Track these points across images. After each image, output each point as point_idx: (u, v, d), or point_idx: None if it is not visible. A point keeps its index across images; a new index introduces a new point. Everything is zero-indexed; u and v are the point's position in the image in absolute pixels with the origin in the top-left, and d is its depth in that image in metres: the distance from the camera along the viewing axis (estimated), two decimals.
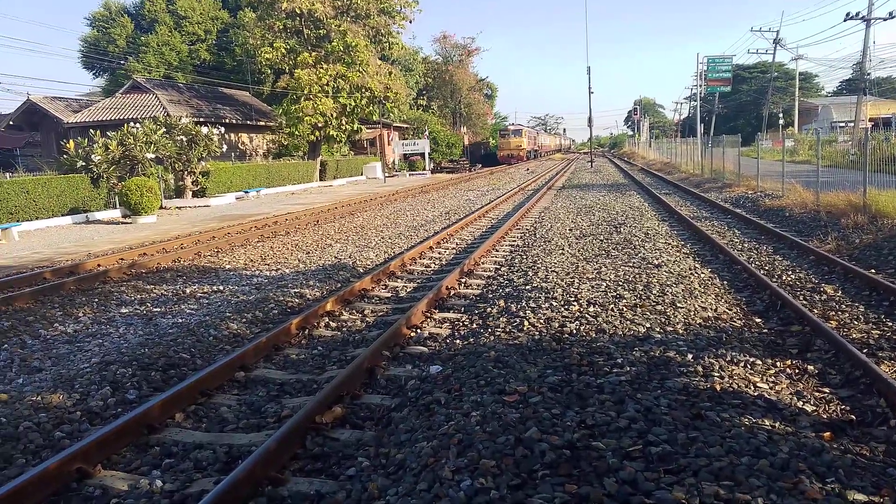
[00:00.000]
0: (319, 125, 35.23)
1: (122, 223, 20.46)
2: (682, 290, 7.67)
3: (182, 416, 5.00)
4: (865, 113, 44.51)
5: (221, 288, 9.63)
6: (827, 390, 4.94)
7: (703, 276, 8.79)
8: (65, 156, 23.10)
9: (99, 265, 11.81)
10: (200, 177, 27.23)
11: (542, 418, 4.08)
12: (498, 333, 6.26)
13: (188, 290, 9.52)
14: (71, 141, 23.25)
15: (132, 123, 24.19)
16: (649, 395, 4.43)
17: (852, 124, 44.11)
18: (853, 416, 4.42)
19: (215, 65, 48.46)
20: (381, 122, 44.56)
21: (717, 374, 4.91)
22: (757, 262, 9.86)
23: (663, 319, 6.46)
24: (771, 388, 4.81)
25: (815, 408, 4.56)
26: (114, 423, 4.58)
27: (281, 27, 35.37)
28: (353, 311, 8.06)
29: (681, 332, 6.10)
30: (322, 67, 35.05)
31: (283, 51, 35.10)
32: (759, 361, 5.39)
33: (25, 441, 4.57)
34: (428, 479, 3.52)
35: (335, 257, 11.91)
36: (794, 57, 57.30)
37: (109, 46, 47.24)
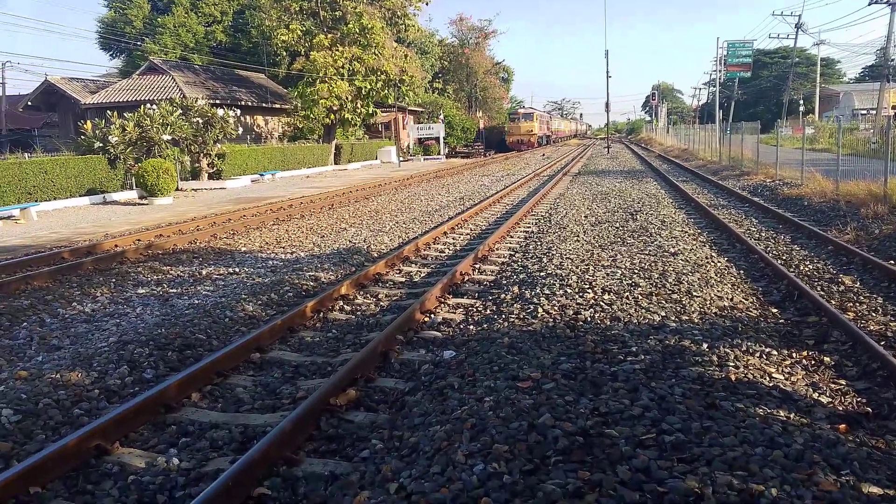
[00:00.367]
0: (334, 108, 35.18)
1: (139, 204, 20.61)
2: (698, 279, 7.63)
3: (198, 395, 5.06)
4: (888, 100, 43.87)
5: (237, 270, 9.69)
6: (843, 382, 4.91)
7: (719, 264, 8.73)
8: (82, 137, 23.25)
9: (116, 246, 11.92)
10: (216, 159, 27.33)
11: (556, 405, 4.09)
12: (512, 320, 6.27)
13: (204, 272, 9.59)
14: (88, 122, 23.39)
15: (149, 105, 24.28)
16: (663, 383, 4.42)
17: (874, 112, 43.48)
18: (869, 409, 4.40)
19: (231, 47, 48.43)
20: (397, 106, 44.45)
21: (732, 364, 4.89)
22: (774, 252, 9.78)
23: (679, 308, 6.43)
24: (786, 379, 4.79)
25: (830, 399, 4.53)
26: (131, 401, 4.65)
27: (297, 9, 35.24)
28: (368, 295, 8.09)
29: (696, 321, 6.07)
30: (338, 50, 34.95)
31: (299, 33, 35.01)
32: (774, 352, 5.36)
33: (45, 417, 4.64)
34: (441, 463, 3.55)
35: (350, 241, 11.94)
36: (816, 42, 56.42)
37: (126, 27, 47.31)
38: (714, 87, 55.21)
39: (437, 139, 48.89)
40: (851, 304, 6.86)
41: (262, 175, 29.08)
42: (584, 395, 4.31)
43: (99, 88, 36.86)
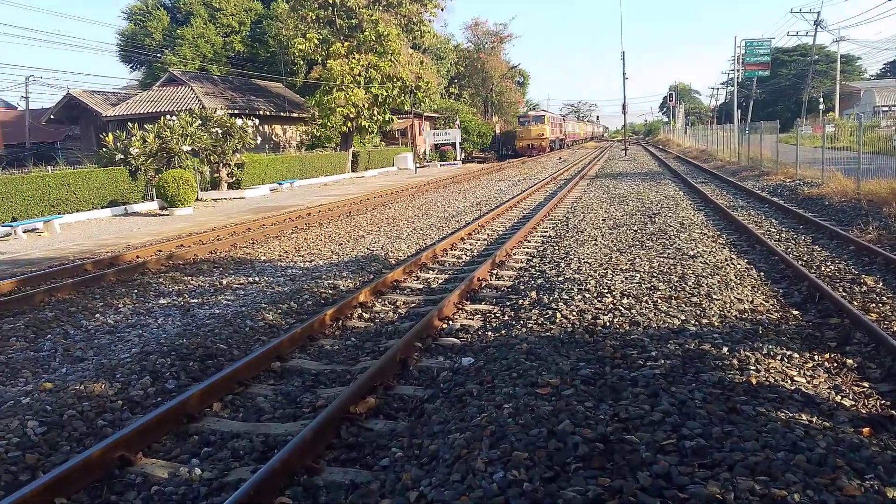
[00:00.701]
0: (351, 116, 35.39)
1: (160, 215, 20.85)
2: (718, 282, 7.57)
3: (220, 405, 5.11)
4: None
5: (257, 279, 9.78)
6: (866, 385, 4.85)
7: (739, 266, 8.66)
8: (104, 149, 23.58)
9: (138, 257, 12.07)
10: (235, 169, 27.58)
11: (575, 411, 4.08)
12: (530, 325, 6.26)
13: (225, 282, 9.69)
14: (110, 134, 23.72)
15: (169, 116, 24.58)
16: (684, 388, 4.40)
17: None
18: (893, 412, 4.33)
19: (249, 56, 48.94)
20: (413, 112, 44.60)
21: (753, 368, 4.85)
22: (795, 253, 9.68)
23: (698, 311, 6.39)
24: (808, 382, 4.74)
25: (853, 402, 4.48)
26: (154, 411, 4.71)
27: (314, 17, 35.52)
28: (386, 303, 8.12)
29: (716, 324, 6.03)
30: (354, 57, 35.17)
31: (316, 41, 35.28)
32: (796, 355, 5.31)
33: (70, 429, 4.71)
34: (461, 471, 3.55)
35: (367, 248, 11.99)
36: (836, 39, 55.71)
37: (146, 40, 47.98)
38: (732, 86, 54.80)
39: (454, 145, 48.95)
40: (874, 305, 6.77)
41: (280, 184, 29.30)
42: (603, 400, 4.29)
43: (120, 101, 37.38)
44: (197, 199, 23.26)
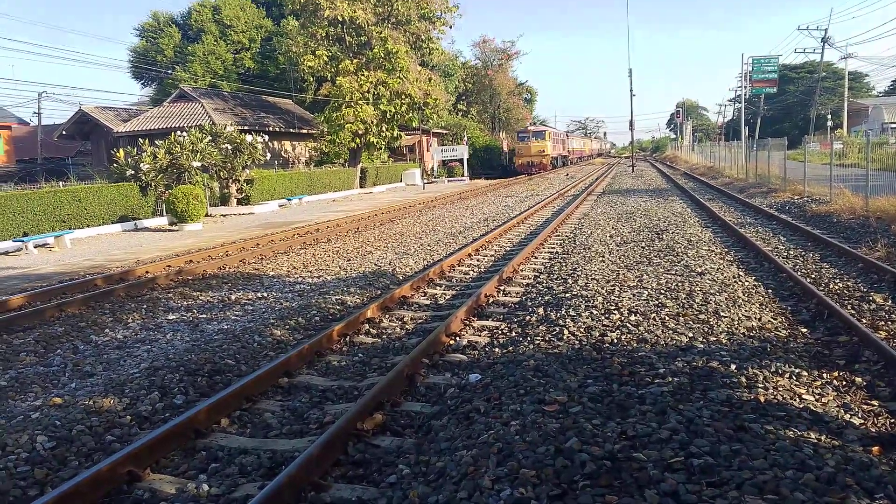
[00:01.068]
0: (360, 132, 35.60)
1: (170, 230, 20.98)
2: (726, 299, 7.56)
3: (227, 421, 5.13)
4: None
5: (265, 295, 9.82)
6: (876, 403, 4.82)
7: (747, 284, 8.64)
8: (114, 164, 23.78)
9: (147, 272, 12.14)
10: (245, 185, 27.74)
11: (583, 428, 4.07)
12: (537, 342, 6.26)
13: (233, 297, 9.73)
14: (121, 150, 23.92)
15: (179, 132, 24.79)
16: (691, 406, 4.39)
17: None
18: None
19: (259, 73, 49.39)
20: (421, 129, 44.80)
21: (761, 386, 4.83)
22: (803, 270, 9.65)
23: (706, 329, 6.38)
24: (817, 401, 4.72)
25: (863, 421, 4.45)
26: (162, 427, 4.72)
27: (323, 35, 35.86)
28: (393, 319, 8.13)
29: (724, 341, 6.01)
30: (363, 74, 35.44)
31: (325, 58, 35.58)
32: (804, 372, 5.29)
33: (78, 444, 4.74)
34: (468, 488, 3.55)
35: (375, 264, 12.03)
36: (844, 56, 55.89)
37: (157, 56, 48.54)
38: (739, 103, 54.87)
39: (461, 161, 49.10)
40: (883, 323, 6.74)
41: (289, 200, 29.45)
42: (611, 418, 4.29)
43: (131, 117, 37.72)
44: (206, 215, 23.40)
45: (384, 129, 37.13)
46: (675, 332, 6.28)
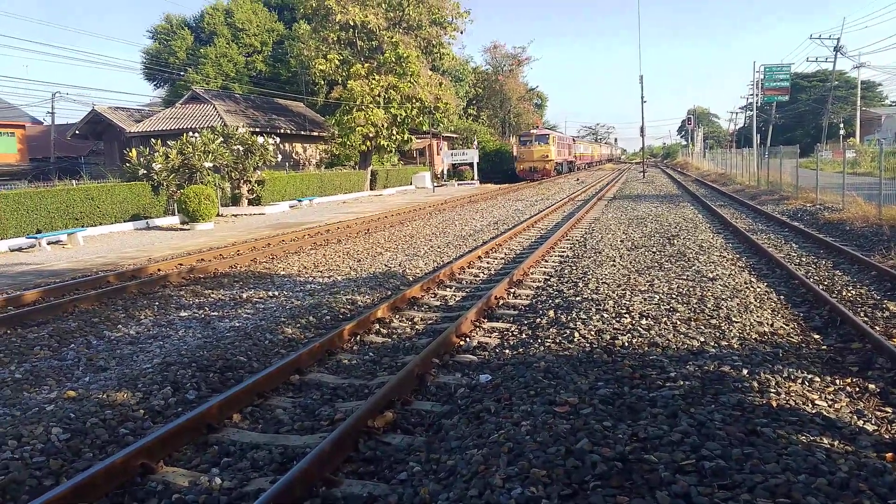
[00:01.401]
0: (370, 135, 35.73)
1: (181, 230, 21.09)
2: (738, 304, 7.54)
3: (239, 416, 5.16)
4: None
5: (276, 294, 9.86)
6: (889, 409, 4.79)
7: (758, 290, 8.61)
8: (127, 164, 23.96)
9: (159, 270, 12.22)
10: (256, 185, 27.89)
11: (594, 430, 4.08)
12: (548, 344, 6.26)
13: (244, 295, 9.78)
14: (133, 150, 24.10)
15: (191, 133, 24.96)
16: (703, 409, 4.38)
17: None
18: None
19: (271, 76, 49.61)
20: (431, 132, 44.90)
21: (773, 391, 4.82)
22: (815, 277, 9.61)
23: (718, 334, 6.36)
24: (829, 406, 4.70)
25: (876, 427, 4.43)
26: (175, 421, 4.76)
27: (335, 39, 36.02)
28: (403, 319, 8.15)
29: (736, 346, 6.00)
30: (374, 78, 35.57)
31: (337, 62, 35.73)
32: (817, 378, 5.27)
33: (93, 436, 4.78)
34: (479, 486, 3.56)
35: (385, 265, 12.06)
36: (856, 65, 55.56)
37: (170, 58, 48.84)
38: (751, 111, 54.67)
39: (471, 165, 49.13)
40: None
41: (300, 201, 29.56)
42: (622, 420, 4.29)
43: (143, 117, 37.99)
44: (217, 215, 23.53)
45: (395, 132, 37.25)
46: (687, 336, 6.27)
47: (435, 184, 44.55)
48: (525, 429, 4.20)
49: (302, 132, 39.20)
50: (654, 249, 11.95)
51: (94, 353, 7.03)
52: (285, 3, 51.27)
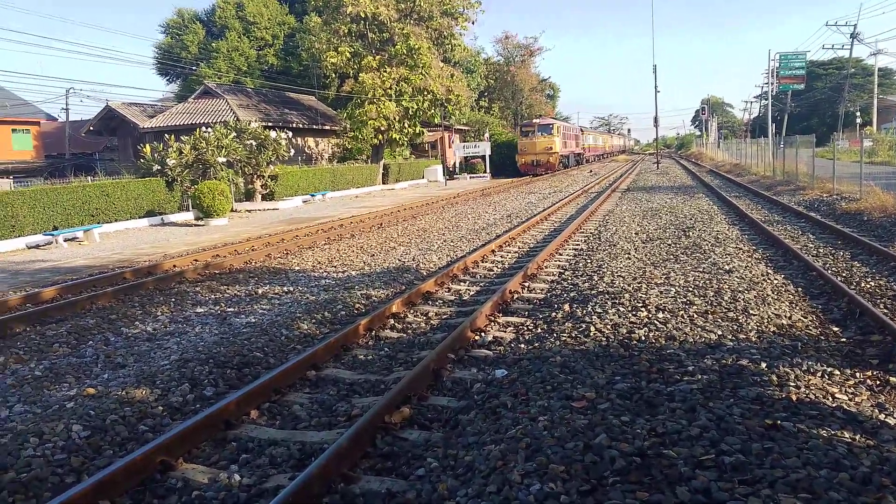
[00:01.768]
0: (382, 129, 35.70)
1: (195, 225, 21.21)
2: (755, 297, 7.48)
3: (257, 412, 5.18)
4: None
5: (291, 289, 9.90)
6: None
7: (776, 282, 8.54)
8: (141, 160, 24.10)
9: (175, 266, 12.29)
10: (269, 180, 27.96)
11: (612, 425, 4.06)
12: (563, 338, 6.25)
13: (260, 291, 9.82)
14: (147, 146, 24.24)
15: (204, 128, 25.04)
16: (721, 403, 4.35)
17: None
18: None
19: (282, 70, 49.65)
20: (443, 125, 44.79)
21: (792, 384, 4.78)
22: (833, 268, 9.52)
23: (735, 327, 6.32)
24: (850, 400, 4.66)
25: None
26: (194, 418, 4.79)
27: (346, 31, 35.95)
28: (418, 314, 8.16)
29: (754, 339, 5.95)
30: (385, 71, 35.50)
31: (348, 55, 35.68)
32: (837, 371, 5.22)
33: (112, 433, 4.82)
34: (497, 482, 3.56)
35: (399, 260, 12.06)
36: (873, 52, 54.81)
37: (182, 53, 48.99)
38: (766, 100, 54.12)
39: (483, 157, 48.98)
40: None
41: (313, 195, 29.62)
42: (640, 415, 4.27)
43: (156, 113, 38.19)
44: (231, 210, 23.62)
45: (406, 125, 37.19)
46: (704, 329, 6.23)
47: (447, 177, 44.47)
48: (542, 424, 4.19)
49: (314, 126, 39.23)
50: (670, 242, 11.88)
51: (113, 350, 7.08)
52: None
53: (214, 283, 10.58)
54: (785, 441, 3.80)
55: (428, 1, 37.12)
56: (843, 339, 6.24)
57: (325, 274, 11.08)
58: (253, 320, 8.01)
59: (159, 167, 23.12)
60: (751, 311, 6.84)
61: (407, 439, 4.60)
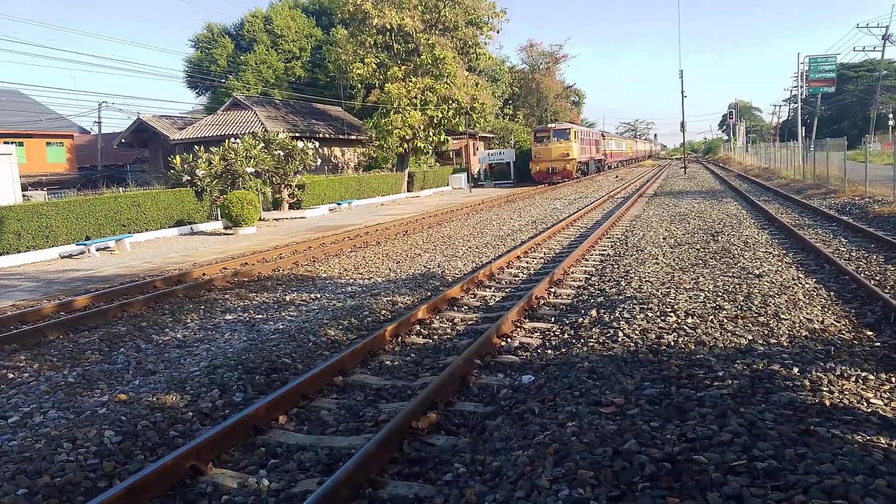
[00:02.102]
0: (407, 137, 35.89)
1: (224, 234, 21.47)
2: (786, 301, 7.36)
3: (285, 418, 5.22)
4: None
5: (318, 296, 9.96)
6: None
7: (807, 286, 8.40)
8: (171, 171, 24.49)
9: (204, 274, 12.45)
10: (296, 189, 28.24)
11: (641, 431, 4.02)
12: (591, 344, 6.20)
13: (287, 298, 9.90)
14: (177, 157, 24.63)
15: (233, 139, 25.38)
16: (753, 409, 4.28)
17: None
18: None
19: (309, 81, 50.18)
20: (467, 133, 44.86)
21: (825, 389, 4.69)
22: (867, 272, 9.33)
23: (766, 331, 6.22)
24: (886, 405, 4.55)
25: None
26: (223, 423, 4.84)
27: (372, 43, 36.27)
28: (444, 320, 8.16)
29: (785, 344, 5.85)
30: (411, 81, 35.71)
31: (374, 66, 35.97)
32: (871, 376, 5.11)
33: (143, 438, 4.88)
34: (525, 488, 3.54)
35: (424, 266, 12.09)
36: None
37: (211, 66, 49.78)
38: (795, 103, 53.37)
39: (508, 164, 48.91)
40: None
41: (339, 204, 29.83)
42: (669, 420, 4.22)
43: (186, 125, 38.82)
44: (260, 219, 23.89)
45: (431, 133, 37.34)
46: (734, 334, 6.15)
47: (471, 184, 44.49)
48: (570, 430, 4.16)
49: (340, 136, 39.56)
50: (698, 246, 11.75)
51: (143, 357, 7.19)
52: (323, 9, 51.83)
53: (243, 291, 10.70)
54: (819, 447, 3.73)
55: (453, 11, 37.31)
56: (878, 344, 6.11)
57: (351, 281, 11.14)
58: (281, 327, 8.07)
59: (189, 177, 23.47)
60: (782, 316, 6.73)
61: (434, 444, 4.60)
